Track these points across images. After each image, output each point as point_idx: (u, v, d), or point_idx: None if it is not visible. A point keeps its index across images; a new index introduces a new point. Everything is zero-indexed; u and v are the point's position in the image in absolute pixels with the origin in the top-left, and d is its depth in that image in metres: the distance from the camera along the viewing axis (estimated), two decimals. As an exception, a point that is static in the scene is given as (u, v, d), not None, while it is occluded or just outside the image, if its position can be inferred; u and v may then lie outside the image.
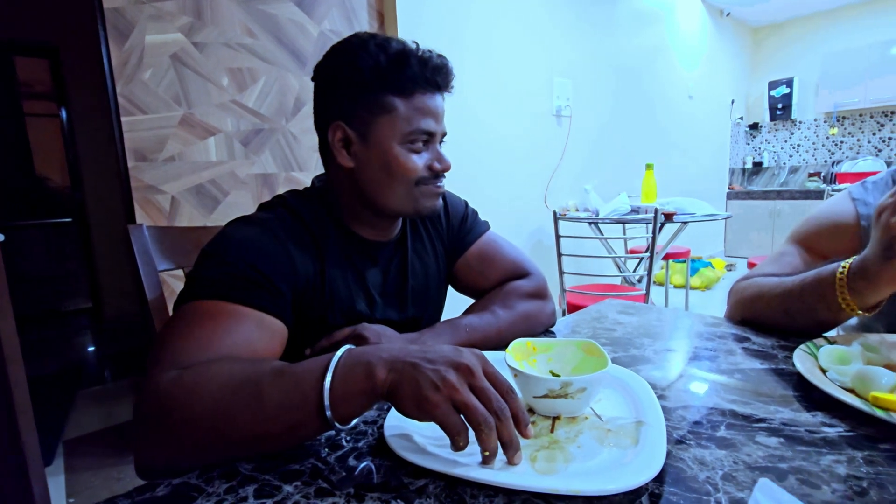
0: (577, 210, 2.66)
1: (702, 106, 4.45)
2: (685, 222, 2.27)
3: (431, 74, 0.64)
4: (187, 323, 0.50)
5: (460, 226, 0.82)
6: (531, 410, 0.51)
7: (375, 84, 0.62)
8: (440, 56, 0.66)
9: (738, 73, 5.06)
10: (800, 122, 5.08)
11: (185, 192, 1.63)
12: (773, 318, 0.75)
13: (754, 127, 5.35)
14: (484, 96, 2.49)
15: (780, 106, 5.03)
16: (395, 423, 0.47)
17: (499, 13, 2.52)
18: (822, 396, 0.51)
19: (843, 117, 4.78)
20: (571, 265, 2.16)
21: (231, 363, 0.46)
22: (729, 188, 5.15)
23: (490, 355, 0.51)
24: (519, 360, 0.55)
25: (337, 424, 0.42)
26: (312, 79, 0.67)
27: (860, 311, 0.64)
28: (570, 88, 3.01)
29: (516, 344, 0.56)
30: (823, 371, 0.56)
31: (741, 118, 5.26)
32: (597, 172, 3.23)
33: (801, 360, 0.58)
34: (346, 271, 0.68)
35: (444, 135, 0.69)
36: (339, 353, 0.44)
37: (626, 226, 3.02)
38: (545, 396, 0.47)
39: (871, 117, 4.63)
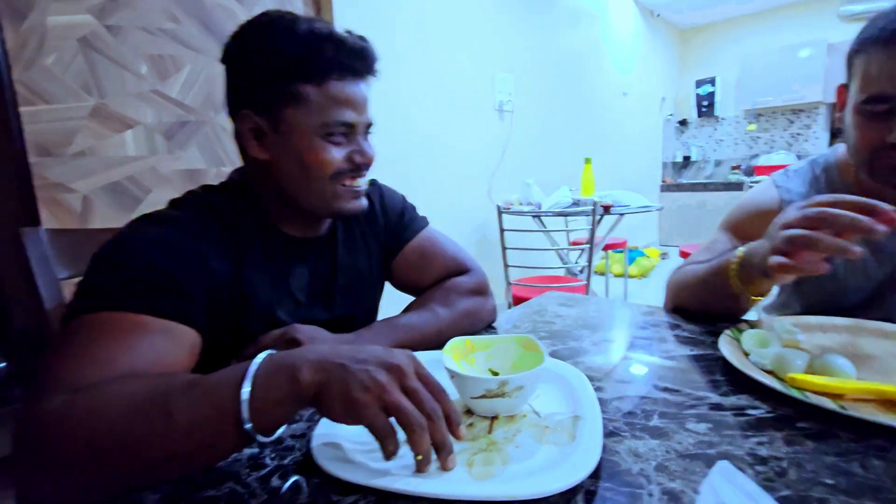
0: (521, 204, 2.70)
1: (636, 102, 4.66)
2: (622, 214, 2.37)
3: (348, 59, 0.59)
4: (80, 339, 0.44)
5: (398, 221, 0.79)
6: (469, 412, 0.49)
7: (284, 71, 0.57)
8: (360, 38, 0.61)
9: (667, 71, 5.34)
10: (722, 119, 5.45)
11: (99, 191, 1.49)
12: (694, 306, 0.80)
13: (683, 123, 5.68)
14: (424, 90, 2.46)
15: (705, 103, 5.37)
16: (325, 431, 0.44)
17: (440, 6, 2.50)
18: (745, 379, 0.53)
19: (760, 114, 5.17)
20: (516, 258, 2.19)
21: (134, 380, 0.41)
22: (662, 181, 5.43)
23: (429, 355, 0.49)
24: (457, 359, 0.54)
25: (259, 437, 0.38)
26: (221, 60, 0.62)
27: (753, 297, 0.67)
28: (512, 83, 3.05)
29: (454, 343, 0.54)
30: (746, 354, 0.59)
31: (671, 114, 5.56)
32: (539, 166, 3.30)
33: (726, 344, 0.60)
34: (267, 272, 0.63)
35: (368, 125, 0.65)
36: (258, 358, 0.40)
37: (568, 218, 3.11)
38: (483, 397, 0.46)
39: (783, 115, 5.04)
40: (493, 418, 0.48)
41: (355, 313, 0.73)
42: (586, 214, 2.25)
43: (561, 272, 2.73)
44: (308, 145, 0.59)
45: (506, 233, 2.09)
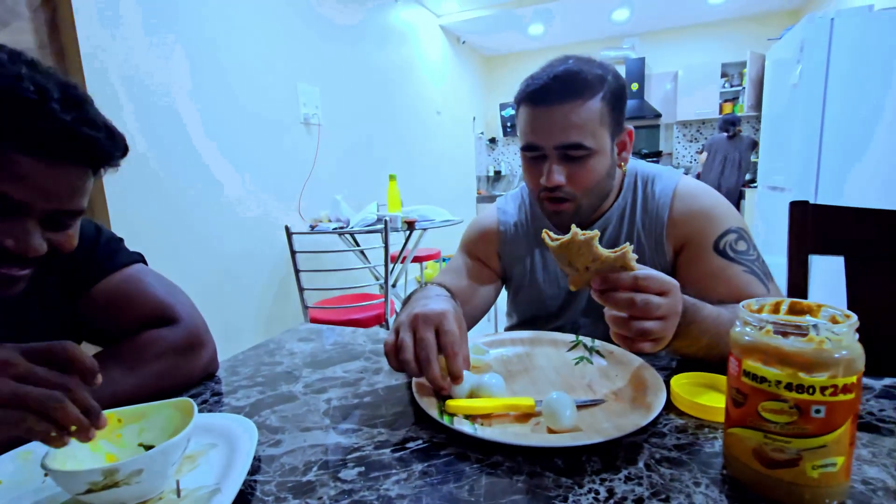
0: (330, 221, 2.64)
1: (449, 121, 4.99)
2: (424, 228, 2.48)
3: (42, 136, 0.48)
4: None
5: (87, 256, 0.66)
6: (93, 505, 0.41)
7: None
8: (79, 120, 0.50)
9: (476, 93, 5.86)
10: (524, 138, 6.20)
11: None
12: None
13: (493, 141, 6.30)
14: (214, 101, 2.23)
15: (509, 124, 6.04)
16: None
17: (225, 9, 2.30)
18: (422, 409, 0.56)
19: (551, 136, 6.02)
20: (328, 280, 2.13)
21: None
22: (477, 192, 5.93)
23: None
24: (92, 441, 0.45)
25: None
26: None
27: None
28: (318, 96, 2.98)
29: (90, 421, 0.46)
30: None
31: (482, 133, 6.12)
32: (351, 182, 3.28)
33: (420, 373, 0.63)
34: None
35: (68, 213, 0.53)
36: None
37: (381, 234, 3.15)
38: (89, 492, 0.39)
39: (568, 136, 5.96)
40: (116, 510, 0.41)
41: None
42: (392, 230, 2.30)
43: (375, 289, 2.74)
44: None
45: (320, 252, 2.00)
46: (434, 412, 0.53)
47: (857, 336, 0.37)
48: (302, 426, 0.55)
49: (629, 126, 0.80)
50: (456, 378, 0.55)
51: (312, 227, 2.50)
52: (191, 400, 0.48)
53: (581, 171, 0.75)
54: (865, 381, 0.59)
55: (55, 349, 0.41)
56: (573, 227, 0.51)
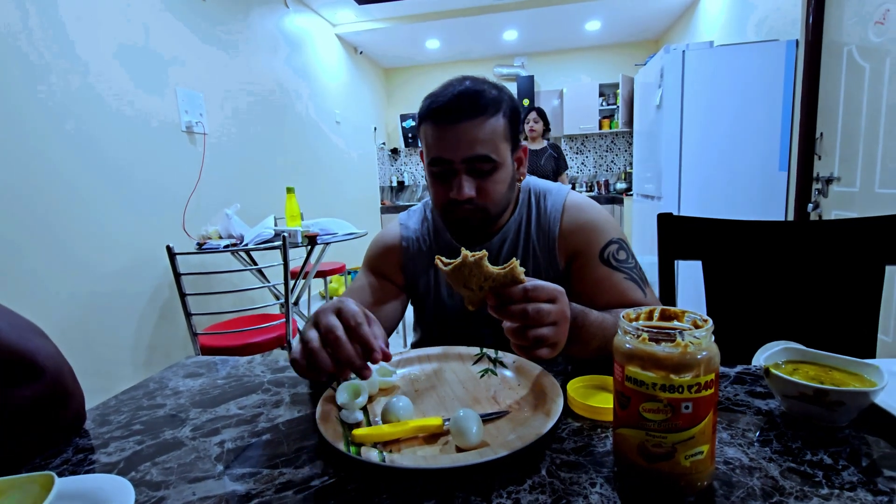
0: (221, 237, 2.44)
1: (349, 131, 4.91)
2: (327, 243, 2.40)
3: None
4: None
5: None
6: None
7: None
8: None
9: (376, 104, 5.84)
10: (425, 149, 6.30)
11: None
12: None
13: (395, 151, 6.31)
14: (73, 102, 1.96)
15: (410, 135, 6.10)
16: None
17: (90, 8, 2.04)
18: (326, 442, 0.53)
19: (452, 147, 6.20)
20: (227, 301, 1.95)
21: None
22: (381, 204, 5.89)
23: None
24: None
25: None
26: None
27: None
28: (202, 103, 2.75)
29: None
30: (340, 409, 0.60)
31: (384, 143, 6.10)
32: (243, 195, 3.08)
33: (324, 401, 0.60)
34: None
35: None
36: None
37: (279, 250, 2.99)
38: None
39: (468, 148, 6.18)
40: None
41: None
42: (291, 246, 2.19)
43: (275, 309, 2.58)
44: None
45: (207, 274, 1.83)
46: (340, 444, 0.50)
47: (713, 338, 0.43)
48: (190, 477, 0.50)
49: (524, 143, 0.86)
50: (371, 351, 0.52)
51: (200, 245, 2.29)
52: (52, 473, 0.41)
53: (488, 183, 0.78)
54: (722, 369, 0.68)
55: None
56: (462, 249, 0.53)
